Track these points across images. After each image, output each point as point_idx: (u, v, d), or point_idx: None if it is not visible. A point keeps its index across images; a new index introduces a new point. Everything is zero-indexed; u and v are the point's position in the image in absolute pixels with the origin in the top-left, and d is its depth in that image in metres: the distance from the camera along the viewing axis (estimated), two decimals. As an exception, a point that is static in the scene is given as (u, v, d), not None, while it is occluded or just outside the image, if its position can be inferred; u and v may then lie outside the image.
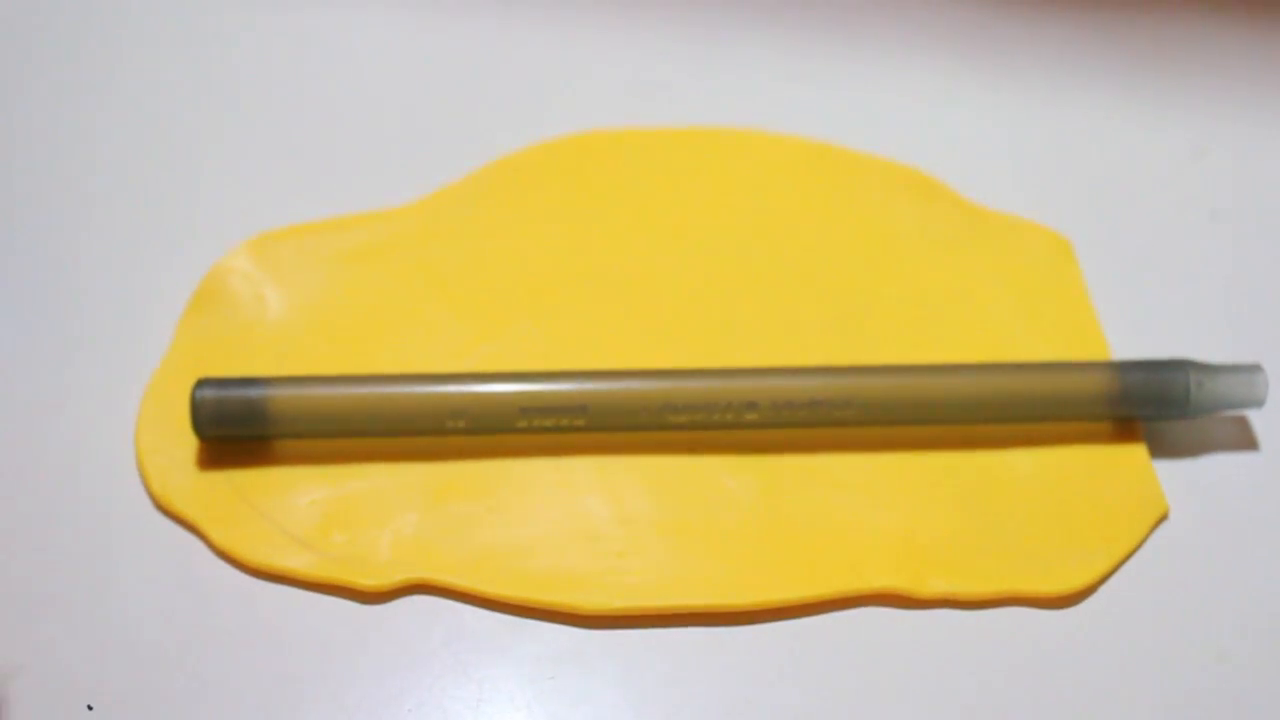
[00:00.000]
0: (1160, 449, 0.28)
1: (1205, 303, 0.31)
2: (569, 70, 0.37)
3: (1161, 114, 0.36)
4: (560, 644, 0.25)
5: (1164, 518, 0.27)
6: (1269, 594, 0.26)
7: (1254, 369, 0.28)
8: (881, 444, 0.28)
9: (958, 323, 0.30)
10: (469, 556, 0.26)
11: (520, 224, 0.32)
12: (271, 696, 0.24)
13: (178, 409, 0.28)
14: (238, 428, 0.27)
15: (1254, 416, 0.29)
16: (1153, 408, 0.28)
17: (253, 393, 0.27)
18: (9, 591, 0.26)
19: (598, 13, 0.38)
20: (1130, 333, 0.30)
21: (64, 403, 0.29)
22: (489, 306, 0.30)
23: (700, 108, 0.36)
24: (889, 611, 0.26)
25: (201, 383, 0.27)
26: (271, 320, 0.30)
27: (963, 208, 0.33)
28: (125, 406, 0.28)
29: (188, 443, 0.27)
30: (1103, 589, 0.26)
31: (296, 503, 0.27)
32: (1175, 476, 0.28)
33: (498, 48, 0.37)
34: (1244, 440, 0.29)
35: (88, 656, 0.25)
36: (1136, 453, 0.28)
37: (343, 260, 0.31)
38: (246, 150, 0.35)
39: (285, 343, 0.30)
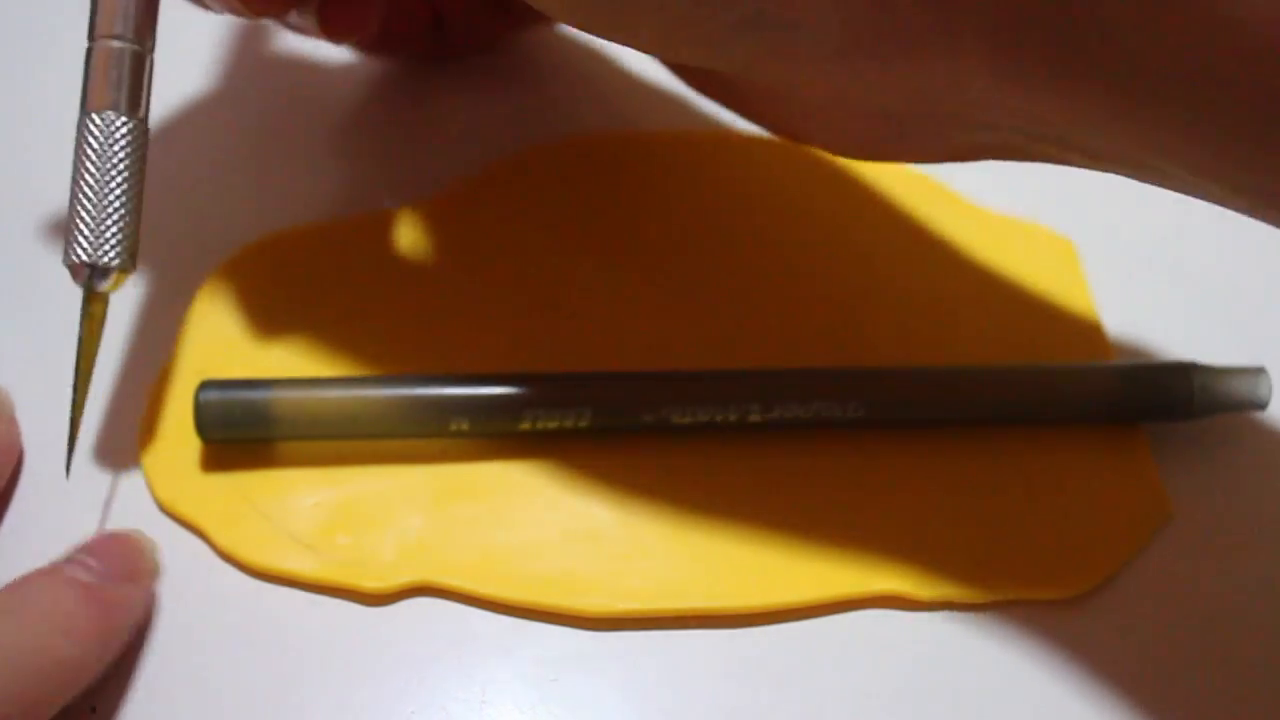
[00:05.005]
0: (1164, 451, 0.28)
1: (1209, 305, 0.31)
2: (571, 73, 0.37)
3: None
4: (563, 646, 0.25)
5: (1168, 520, 0.27)
6: (1273, 596, 0.26)
7: (1257, 371, 0.28)
8: (885, 446, 0.28)
9: (961, 325, 0.30)
10: (472, 559, 0.26)
11: (523, 225, 0.32)
12: (275, 698, 0.24)
13: (182, 411, 0.28)
14: (241, 430, 0.27)
15: (1258, 419, 0.29)
16: (1156, 410, 0.28)
17: (256, 395, 0.27)
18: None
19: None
20: (1134, 335, 0.30)
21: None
22: (491, 308, 0.30)
23: (703, 111, 0.35)
24: (892, 614, 0.26)
25: (205, 385, 0.27)
26: (275, 322, 0.30)
27: (966, 210, 0.33)
28: (129, 409, 0.28)
29: (191, 445, 0.28)
30: (1106, 592, 0.26)
31: (300, 505, 0.27)
32: (1179, 479, 0.28)
33: (498, 50, 0.37)
34: (1248, 442, 0.29)
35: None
36: (1140, 455, 0.28)
37: (345, 262, 0.31)
38: (249, 153, 0.35)
39: (288, 345, 0.30)
